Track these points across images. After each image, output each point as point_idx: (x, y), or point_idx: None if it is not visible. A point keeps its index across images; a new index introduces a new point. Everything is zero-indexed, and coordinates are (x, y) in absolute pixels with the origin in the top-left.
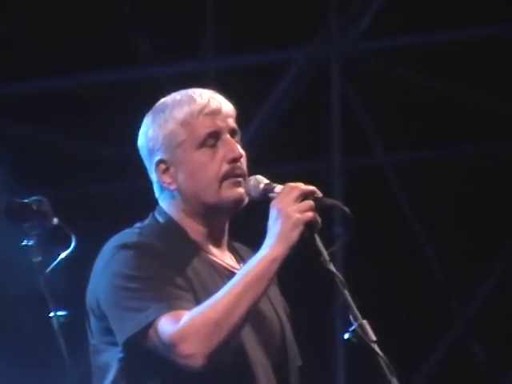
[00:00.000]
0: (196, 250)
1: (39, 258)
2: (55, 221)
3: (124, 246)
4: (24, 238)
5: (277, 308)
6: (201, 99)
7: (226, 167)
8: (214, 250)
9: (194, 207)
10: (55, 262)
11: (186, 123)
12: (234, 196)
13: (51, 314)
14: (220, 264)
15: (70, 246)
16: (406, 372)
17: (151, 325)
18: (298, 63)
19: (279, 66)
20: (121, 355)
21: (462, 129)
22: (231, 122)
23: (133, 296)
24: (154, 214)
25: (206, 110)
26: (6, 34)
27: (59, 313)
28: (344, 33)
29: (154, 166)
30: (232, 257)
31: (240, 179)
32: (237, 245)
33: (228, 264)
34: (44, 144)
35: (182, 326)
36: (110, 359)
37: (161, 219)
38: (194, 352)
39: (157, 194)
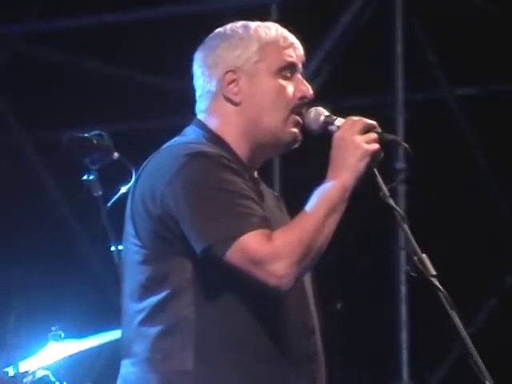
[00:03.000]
0: (246, 169)
1: (100, 193)
2: (116, 155)
3: (198, 155)
4: (85, 173)
5: None
6: (287, 32)
7: (296, 101)
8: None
9: (250, 125)
10: (116, 197)
11: (271, 44)
12: (294, 133)
13: (112, 248)
14: (266, 188)
15: (130, 181)
16: (467, 307)
17: (239, 236)
18: None
19: None
20: (188, 266)
21: None
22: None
23: (221, 205)
24: (194, 129)
25: (290, 42)
26: None
27: (120, 247)
28: None
29: (220, 74)
30: None
31: (301, 122)
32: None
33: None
34: (107, 78)
35: (277, 244)
36: (170, 269)
37: (206, 134)
38: (288, 272)
39: (205, 105)
